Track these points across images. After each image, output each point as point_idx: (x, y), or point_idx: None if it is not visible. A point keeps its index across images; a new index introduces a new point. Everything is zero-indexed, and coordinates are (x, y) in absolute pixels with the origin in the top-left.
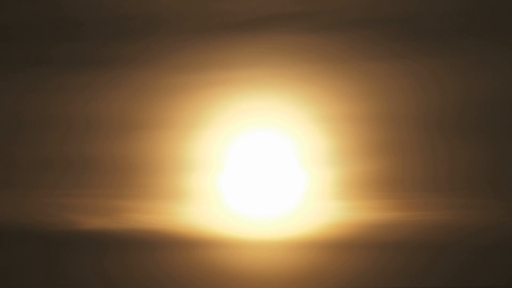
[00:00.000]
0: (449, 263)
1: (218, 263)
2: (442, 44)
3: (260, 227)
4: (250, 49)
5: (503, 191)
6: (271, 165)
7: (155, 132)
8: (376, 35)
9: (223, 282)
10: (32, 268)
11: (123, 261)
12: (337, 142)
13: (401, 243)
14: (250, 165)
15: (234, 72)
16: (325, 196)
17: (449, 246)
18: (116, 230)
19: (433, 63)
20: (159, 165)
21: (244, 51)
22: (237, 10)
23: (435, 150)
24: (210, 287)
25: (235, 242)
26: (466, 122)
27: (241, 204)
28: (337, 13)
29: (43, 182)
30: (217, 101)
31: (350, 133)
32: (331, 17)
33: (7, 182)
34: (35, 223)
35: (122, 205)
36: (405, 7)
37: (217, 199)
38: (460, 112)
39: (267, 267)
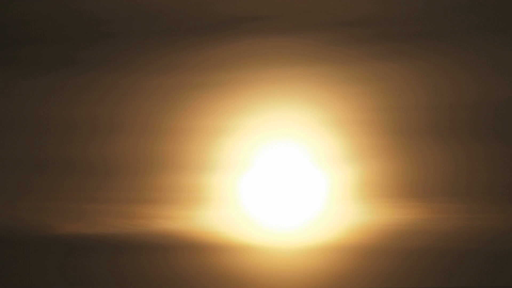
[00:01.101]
0: (469, 267)
1: (233, 268)
2: (455, 43)
3: (279, 233)
4: (246, 50)
5: None
6: (291, 172)
7: (173, 136)
8: (381, 35)
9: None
10: (30, 272)
11: (138, 264)
12: (354, 145)
13: (422, 247)
14: (270, 171)
15: (232, 73)
16: (346, 201)
17: (469, 250)
18: (130, 234)
19: (445, 62)
20: (178, 169)
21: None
22: (214, 12)
23: (448, 154)
24: None
25: (252, 248)
26: (480, 124)
27: (259, 210)
28: (336, 13)
29: (69, 184)
30: (239, 107)
31: (365, 136)
32: (330, 17)
33: None
34: (54, 229)
35: (139, 210)
36: (414, 6)
37: (235, 205)
38: (475, 113)
39: (283, 273)
